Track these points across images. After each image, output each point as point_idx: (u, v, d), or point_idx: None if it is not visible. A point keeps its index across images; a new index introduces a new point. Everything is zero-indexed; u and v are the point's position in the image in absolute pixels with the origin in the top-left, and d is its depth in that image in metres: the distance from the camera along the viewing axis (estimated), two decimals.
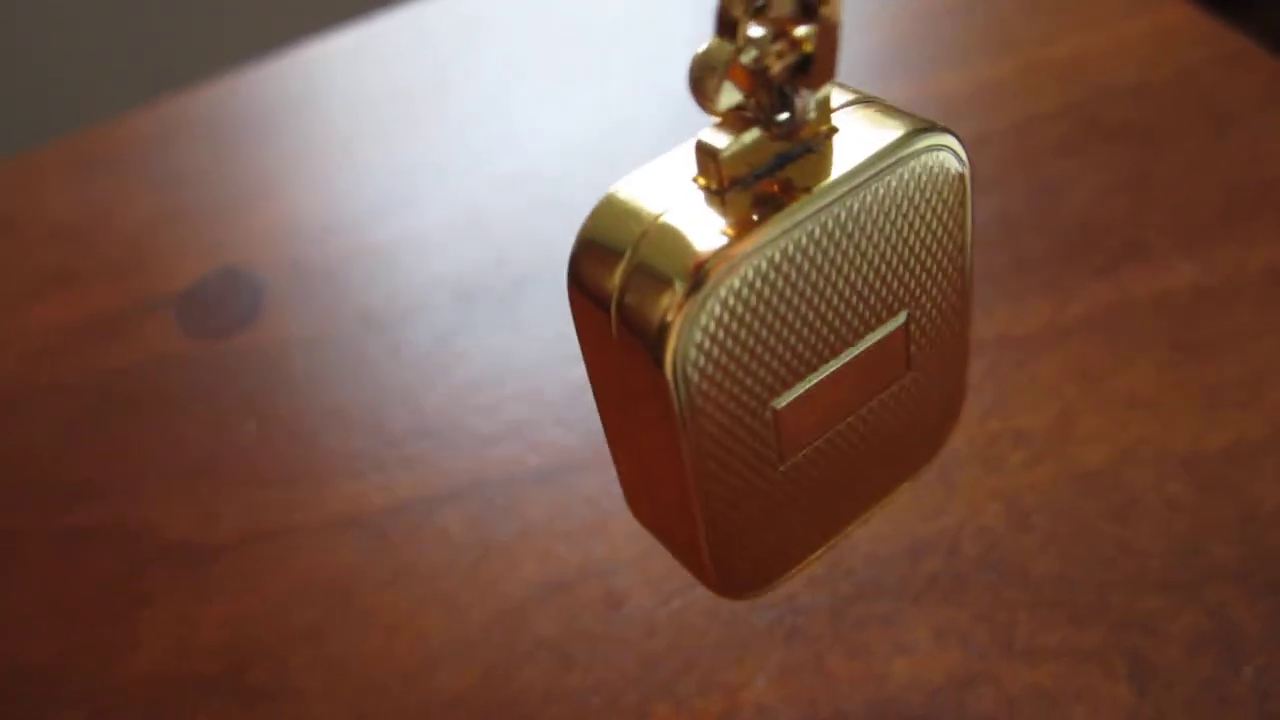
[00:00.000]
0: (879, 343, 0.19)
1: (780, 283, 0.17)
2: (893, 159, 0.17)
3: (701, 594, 0.28)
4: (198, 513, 0.31)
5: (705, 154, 0.17)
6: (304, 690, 0.28)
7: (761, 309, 0.17)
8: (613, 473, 0.20)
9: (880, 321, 0.18)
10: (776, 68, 0.16)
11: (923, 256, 0.19)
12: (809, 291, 0.17)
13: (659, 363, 0.16)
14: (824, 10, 0.16)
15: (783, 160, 0.17)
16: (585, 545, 0.30)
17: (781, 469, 0.19)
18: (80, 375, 0.35)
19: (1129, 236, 0.36)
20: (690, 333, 0.16)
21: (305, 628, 0.29)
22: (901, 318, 0.19)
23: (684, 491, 0.18)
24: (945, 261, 0.19)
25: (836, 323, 0.18)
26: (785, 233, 0.16)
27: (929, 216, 0.18)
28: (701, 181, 0.17)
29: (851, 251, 0.17)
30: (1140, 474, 0.30)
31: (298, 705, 0.28)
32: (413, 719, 0.27)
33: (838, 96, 0.18)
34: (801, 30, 0.16)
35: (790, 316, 0.17)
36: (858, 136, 0.17)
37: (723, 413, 0.17)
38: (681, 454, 0.17)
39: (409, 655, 0.28)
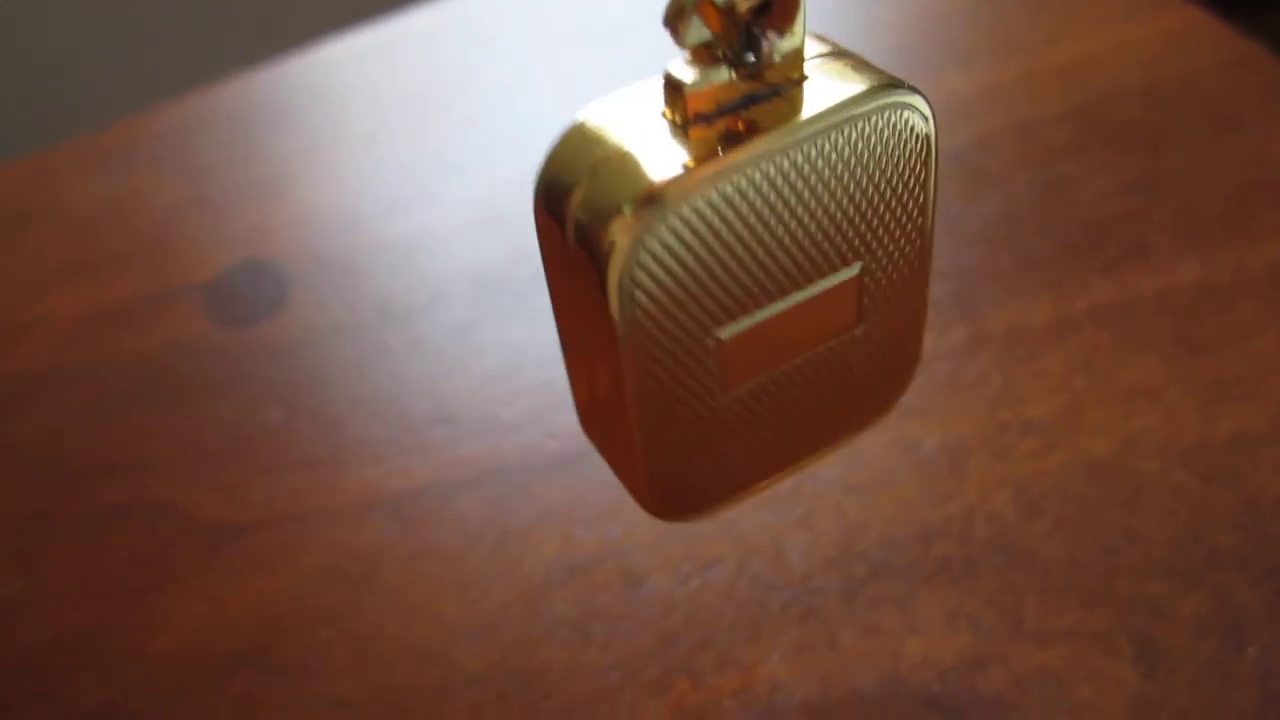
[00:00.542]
0: (830, 290, 0.19)
1: (731, 217, 0.17)
2: (856, 110, 0.18)
3: (717, 575, 0.29)
4: (224, 495, 0.32)
5: (671, 87, 0.17)
6: (328, 668, 0.28)
7: (710, 240, 0.17)
8: None
9: (833, 269, 0.19)
10: (743, 7, 0.17)
11: (881, 210, 0.19)
12: (760, 230, 0.18)
13: (604, 280, 0.17)
14: None
15: (749, 101, 0.17)
16: (602, 528, 0.30)
17: (722, 399, 0.19)
18: (109, 360, 0.36)
19: (1133, 235, 0.36)
20: (636, 254, 0.17)
21: (329, 607, 0.30)
22: (855, 269, 0.19)
23: (624, 410, 0.19)
24: (905, 219, 0.19)
25: (787, 263, 0.18)
26: (740, 169, 0.17)
27: (890, 171, 0.19)
28: (667, 114, 0.18)
29: (807, 195, 0.18)
30: (1146, 464, 0.30)
31: (322, 682, 0.28)
32: (435, 696, 0.28)
33: (813, 47, 0.18)
34: None
35: (739, 251, 0.18)
36: (825, 87, 0.18)
37: (666, 335, 0.18)
38: (623, 372, 0.18)
39: (431, 634, 0.29)
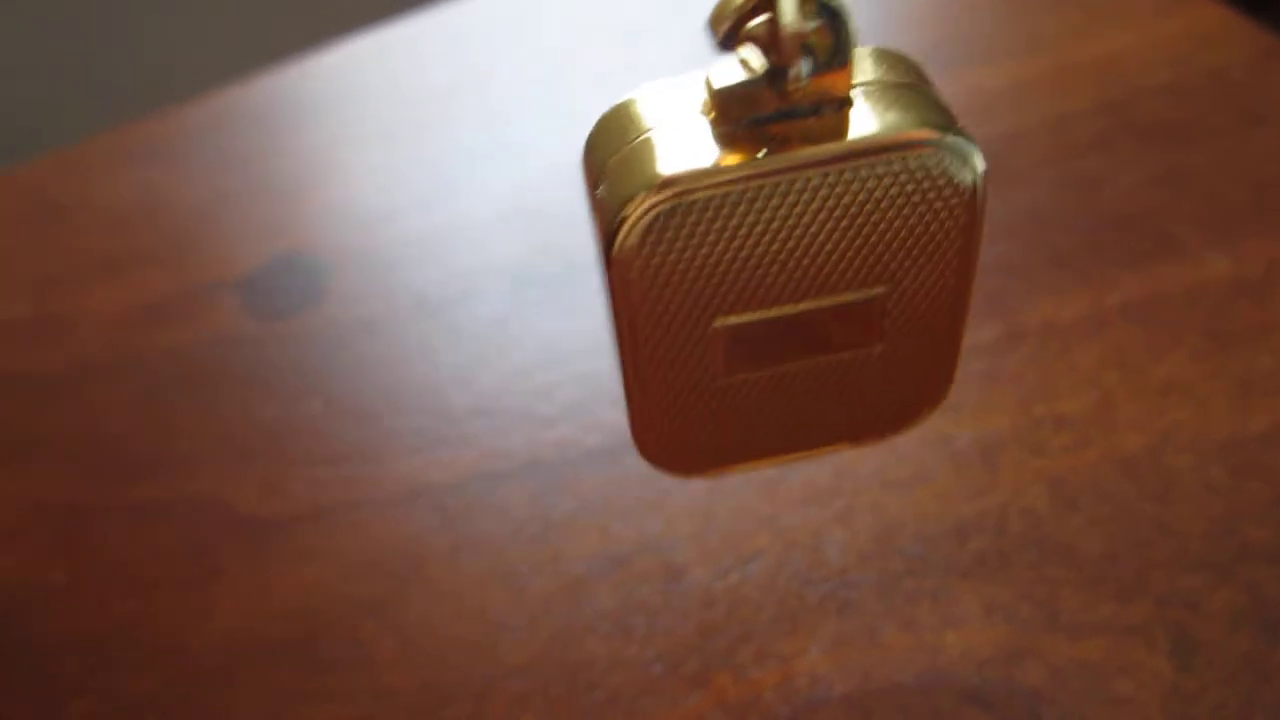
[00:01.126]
0: (845, 306, 0.20)
1: (740, 220, 0.18)
2: (887, 149, 0.18)
3: (757, 568, 0.29)
4: (265, 487, 0.32)
5: (708, 87, 0.18)
6: (373, 659, 0.29)
7: (713, 237, 0.18)
8: None
9: (849, 288, 0.19)
10: (788, 31, 0.17)
11: (910, 246, 0.19)
12: (769, 239, 0.18)
13: (608, 251, 0.18)
14: None
15: (782, 116, 0.18)
16: (642, 521, 0.31)
17: (722, 382, 0.20)
18: (148, 355, 0.36)
19: (1162, 231, 0.37)
20: (638, 234, 0.18)
21: (373, 599, 0.30)
22: (875, 292, 0.20)
23: (624, 371, 0.20)
24: (938, 258, 0.20)
25: (798, 274, 0.19)
26: (758, 177, 0.18)
27: (924, 211, 0.19)
28: (704, 110, 0.18)
29: (824, 217, 0.18)
30: (1178, 458, 0.31)
31: (367, 674, 0.29)
32: (479, 687, 0.28)
33: (871, 70, 0.18)
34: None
35: (745, 253, 0.18)
36: (865, 117, 0.18)
37: (667, 314, 0.19)
38: (621, 327, 0.19)
39: (473, 626, 0.29)
